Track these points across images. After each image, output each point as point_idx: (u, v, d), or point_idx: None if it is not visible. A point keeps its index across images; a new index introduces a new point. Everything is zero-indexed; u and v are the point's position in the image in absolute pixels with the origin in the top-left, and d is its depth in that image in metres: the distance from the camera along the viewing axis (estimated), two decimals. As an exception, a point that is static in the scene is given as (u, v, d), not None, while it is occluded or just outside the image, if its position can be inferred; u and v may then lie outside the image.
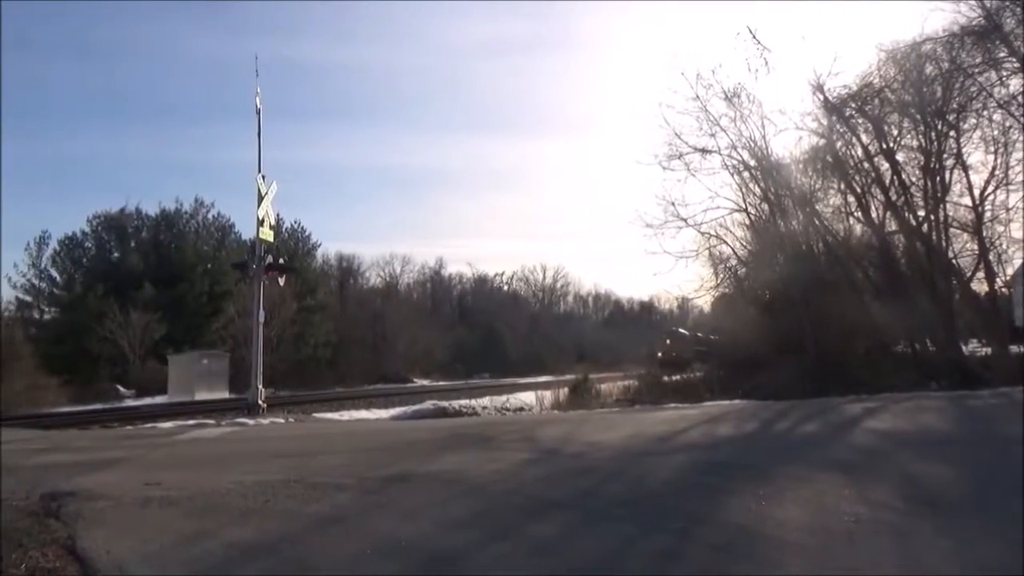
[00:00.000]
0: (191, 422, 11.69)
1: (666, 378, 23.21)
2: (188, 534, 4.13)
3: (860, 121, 18.46)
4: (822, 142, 18.99)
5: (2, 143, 65.62)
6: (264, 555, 3.76)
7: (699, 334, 57.53)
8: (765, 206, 20.09)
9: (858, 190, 18.86)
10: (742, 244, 21.28)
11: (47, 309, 40.29)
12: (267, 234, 15.87)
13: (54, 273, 40.35)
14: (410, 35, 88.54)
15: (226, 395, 24.79)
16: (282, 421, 12.69)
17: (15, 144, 67.77)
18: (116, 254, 41.23)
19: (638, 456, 6.31)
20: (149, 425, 11.68)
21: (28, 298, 40.14)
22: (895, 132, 18.37)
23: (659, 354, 45.34)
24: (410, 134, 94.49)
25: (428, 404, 14.73)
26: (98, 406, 22.44)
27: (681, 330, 53.92)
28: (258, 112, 15.79)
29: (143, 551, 3.81)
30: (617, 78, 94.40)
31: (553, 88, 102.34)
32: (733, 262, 21.69)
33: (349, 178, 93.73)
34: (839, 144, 18.86)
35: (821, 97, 18.21)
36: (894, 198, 18.26)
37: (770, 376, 16.35)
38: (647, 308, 77.61)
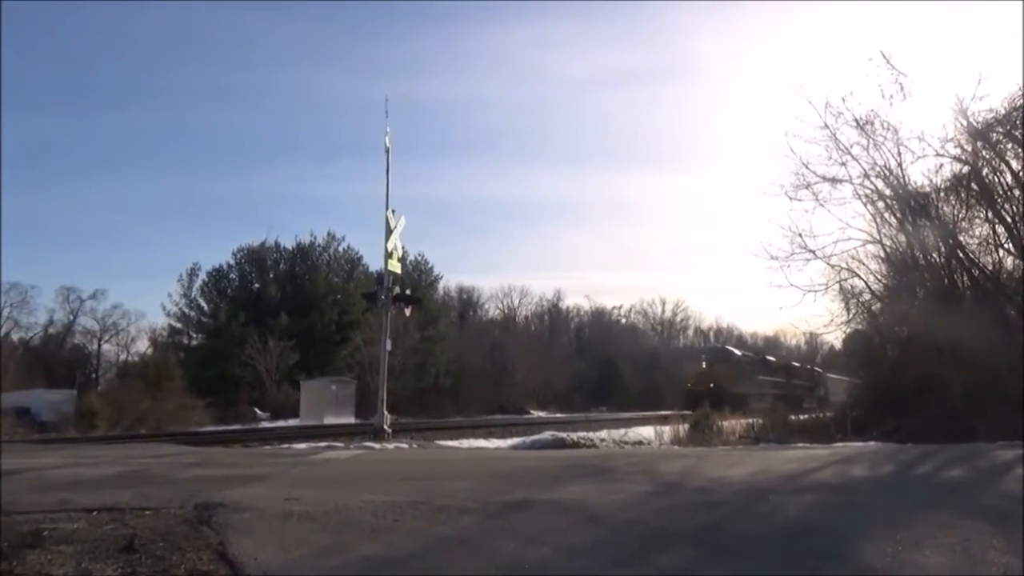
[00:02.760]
0: (322, 444, 12.32)
1: (792, 417, 22.12)
2: (325, 546, 4.39)
3: (1009, 146, 17.23)
4: (966, 169, 17.84)
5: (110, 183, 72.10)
6: (394, 568, 3.94)
7: (770, 358, 48.87)
8: (902, 237, 19.03)
9: (1008, 219, 17.53)
10: (876, 278, 20.20)
11: (195, 335, 43.60)
12: (395, 266, 16.57)
13: (202, 302, 43.72)
14: (530, 69, 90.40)
15: (352, 420, 25.81)
16: (406, 446, 13.11)
17: (170, 183, 74.28)
18: (256, 285, 44.13)
19: (764, 493, 6.11)
20: (285, 445, 12.40)
21: (179, 325, 43.67)
22: (1049, 157, 17.02)
23: (689, 385, 37.36)
24: (530, 167, 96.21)
25: (546, 435, 14.79)
26: (237, 426, 23.97)
27: (732, 349, 45.26)
28: (387, 150, 16.64)
29: (286, 559, 4.08)
30: (739, 107, 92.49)
31: (673, 118, 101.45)
32: (866, 296, 20.59)
33: (470, 211, 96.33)
34: (985, 171, 17.67)
35: (964, 122, 17.16)
36: (1050, 228, 16.87)
37: (909, 418, 15.36)
38: (772, 343, 74.62)
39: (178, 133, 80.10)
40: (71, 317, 47.81)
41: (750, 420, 20.51)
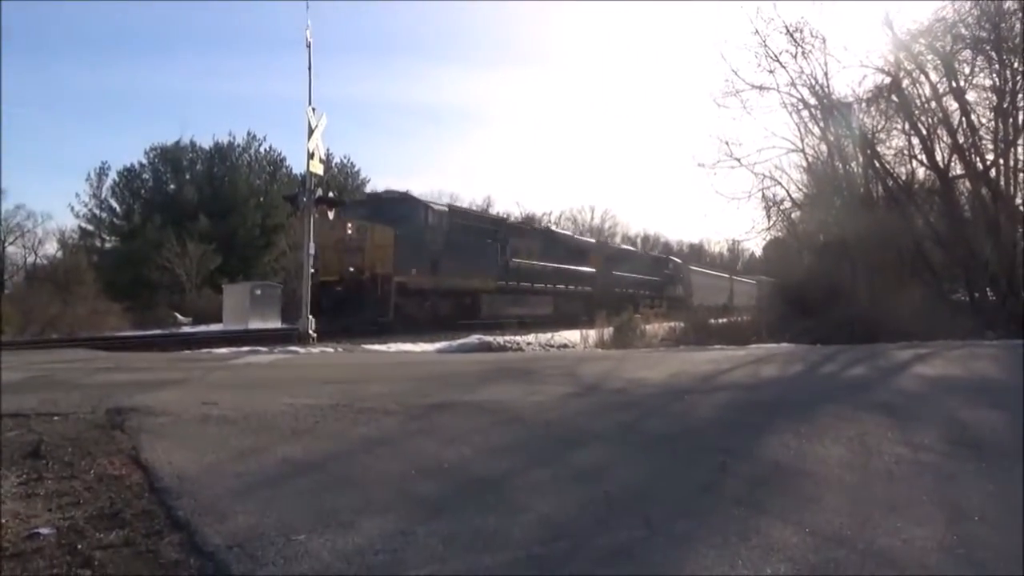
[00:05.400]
0: (245, 348, 12.09)
1: (712, 320, 22.79)
2: (243, 449, 4.34)
3: (929, 58, 17.58)
4: (887, 80, 18.17)
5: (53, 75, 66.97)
6: (313, 471, 3.93)
7: (561, 230, 36.77)
8: (823, 147, 19.45)
9: (923, 132, 18.09)
10: (797, 186, 20.67)
11: (108, 238, 41.80)
12: (317, 167, 16.00)
13: (114, 204, 41.72)
14: None
15: (278, 325, 25.35)
16: (331, 350, 13.03)
17: (75, 76, 69.14)
18: (172, 186, 42.26)
19: (680, 393, 6.34)
20: (205, 350, 12.13)
21: (90, 227, 41.69)
22: (967, 70, 17.47)
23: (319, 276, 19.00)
24: (459, 70, 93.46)
25: (473, 338, 14.92)
26: (157, 331, 23.34)
27: (429, 201, 24.19)
28: (308, 45, 15.76)
29: (202, 463, 4.02)
30: (671, 12, 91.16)
31: (603, 22, 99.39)
32: (787, 204, 21.11)
33: (398, 114, 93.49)
34: (905, 83, 18.04)
35: (889, 32, 17.37)
36: (961, 140, 17.48)
37: (820, 321, 16.10)
38: (696, 251, 76.54)
39: (83, 25, 73.93)
40: (-32, 217, 44.85)
41: (672, 324, 21.11)
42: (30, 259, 45.87)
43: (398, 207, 22.32)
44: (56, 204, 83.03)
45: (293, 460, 4.11)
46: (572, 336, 18.08)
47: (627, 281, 33.97)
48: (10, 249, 46.17)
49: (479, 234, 24.39)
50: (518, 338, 15.60)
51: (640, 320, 19.66)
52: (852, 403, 5.79)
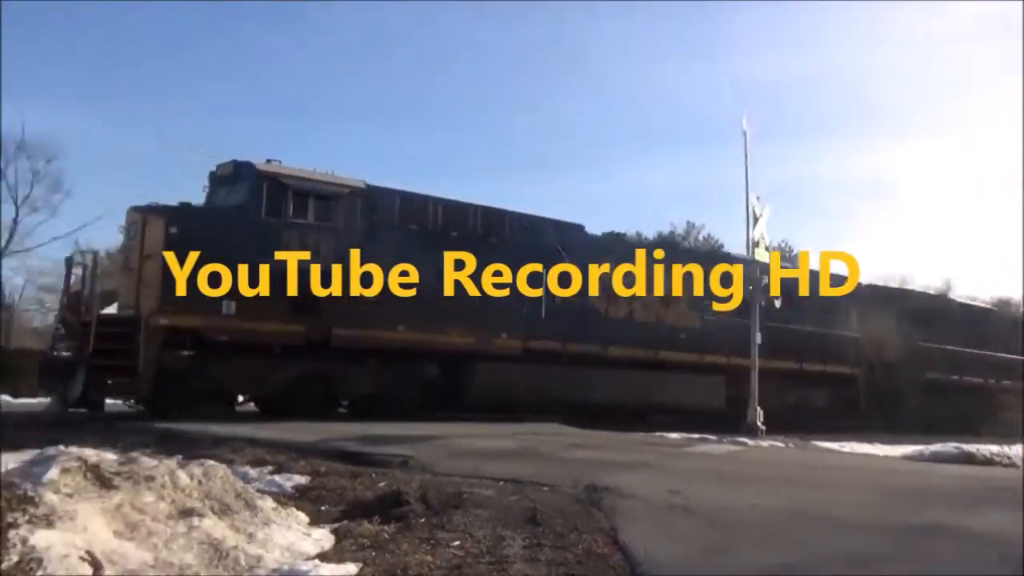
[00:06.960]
0: (695, 436, 12.36)
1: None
2: (709, 546, 4.37)
3: None
4: None
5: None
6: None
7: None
8: None
9: None
10: None
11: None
12: (762, 255, 15.97)
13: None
14: (879, 34, 79.13)
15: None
16: (781, 445, 12.55)
17: (517, 181, 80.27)
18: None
19: None
20: (659, 434, 12.73)
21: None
22: None
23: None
24: (894, 141, 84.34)
25: (949, 447, 12.84)
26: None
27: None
28: (744, 133, 16.09)
29: (673, 553, 4.16)
30: None
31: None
32: None
33: (827, 192, 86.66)
34: None
35: None
36: None
37: None
38: None
39: (531, 137, 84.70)
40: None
41: None
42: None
43: (233, 186, 12.37)
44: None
45: (762, 566, 4.00)
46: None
47: (958, 360, 20.34)
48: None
49: (482, 244, 14.12)
50: (1008, 450, 13.00)
51: None
52: None
